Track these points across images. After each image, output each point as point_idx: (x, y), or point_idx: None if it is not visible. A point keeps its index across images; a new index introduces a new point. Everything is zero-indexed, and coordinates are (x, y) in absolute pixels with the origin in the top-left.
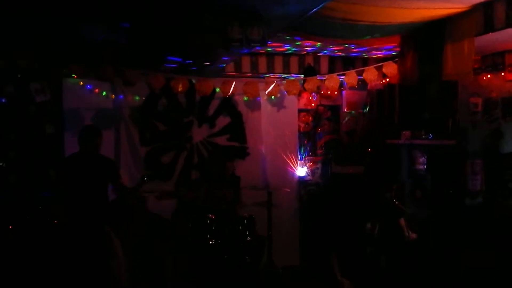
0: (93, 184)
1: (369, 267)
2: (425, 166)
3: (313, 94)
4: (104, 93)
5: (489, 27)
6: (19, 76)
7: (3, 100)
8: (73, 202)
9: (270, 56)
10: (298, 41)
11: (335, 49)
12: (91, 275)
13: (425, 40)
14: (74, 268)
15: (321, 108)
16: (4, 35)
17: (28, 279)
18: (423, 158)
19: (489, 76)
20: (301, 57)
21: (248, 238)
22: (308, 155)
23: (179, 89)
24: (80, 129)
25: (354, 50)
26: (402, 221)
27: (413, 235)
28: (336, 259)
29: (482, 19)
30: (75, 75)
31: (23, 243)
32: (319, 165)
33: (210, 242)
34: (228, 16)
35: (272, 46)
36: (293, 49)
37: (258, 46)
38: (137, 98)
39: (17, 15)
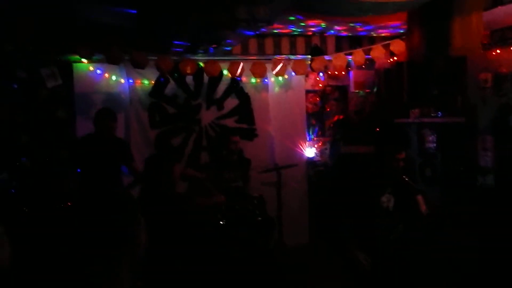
0: (107, 164)
1: (383, 240)
2: (435, 144)
3: (320, 75)
4: (113, 78)
5: (498, 1)
6: (29, 61)
7: (15, 86)
8: (86, 182)
9: (277, 37)
10: (302, 21)
11: (341, 29)
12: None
13: (433, 15)
14: (89, 250)
15: (328, 88)
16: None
17: (44, 261)
18: (432, 136)
19: (498, 51)
20: (308, 38)
21: (259, 218)
22: (316, 136)
23: (188, 71)
24: (96, 111)
25: (361, 29)
26: (420, 198)
27: (431, 211)
28: (351, 233)
29: None
30: (84, 58)
31: (38, 226)
32: (327, 146)
33: (221, 222)
34: None
35: (278, 28)
36: (299, 30)
37: (264, 26)
38: (146, 82)
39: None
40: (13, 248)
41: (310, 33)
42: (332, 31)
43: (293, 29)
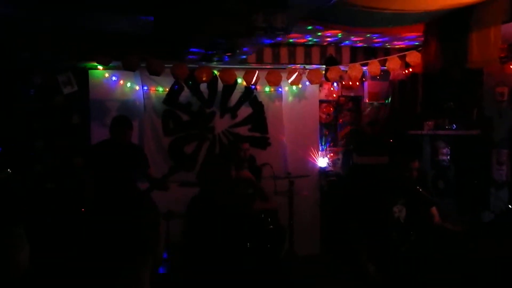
0: (122, 170)
1: (395, 251)
2: (449, 157)
3: (335, 85)
4: (128, 84)
5: None
6: (46, 67)
7: (31, 91)
8: (101, 188)
9: (292, 46)
10: (320, 31)
11: (357, 39)
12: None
13: (450, 28)
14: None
15: (342, 99)
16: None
17: (60, 268)
18: (446, 148)
19: None
20: (323, 48)
21: (270, 227)
22: (329, 146)
23: (203, 79)
24: (113, 118)
25: (376, 40)
26: (434, 210)
27: (448, 225)
28: (363, 245)
29: (509, 6)
30: (100, 65)
31: (54, 231)
32: (340, 156)
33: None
34: (252, 3)
35: (294, 37)
36: (315, 39)
37: (282, 35)
38: (160, 89)
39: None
40: (32, 251)
41: (325, 43)
42: (347, 42)
43: (309, 38)
